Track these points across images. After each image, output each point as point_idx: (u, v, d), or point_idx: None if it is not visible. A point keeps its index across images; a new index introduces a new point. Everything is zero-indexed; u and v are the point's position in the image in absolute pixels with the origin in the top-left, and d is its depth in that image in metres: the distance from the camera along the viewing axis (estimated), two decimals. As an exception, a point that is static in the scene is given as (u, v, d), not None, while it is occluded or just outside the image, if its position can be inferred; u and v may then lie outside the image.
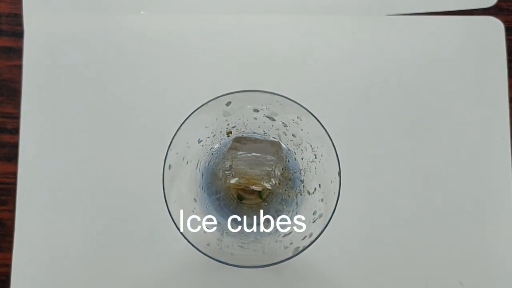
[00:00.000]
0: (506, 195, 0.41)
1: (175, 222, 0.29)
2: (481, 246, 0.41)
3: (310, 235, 0.30)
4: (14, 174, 0.40)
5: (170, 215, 0.29)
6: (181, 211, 0.30)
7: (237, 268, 0.29)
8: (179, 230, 0.29)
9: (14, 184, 0.40)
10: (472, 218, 0.41)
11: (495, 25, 0.43)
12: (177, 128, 0.30)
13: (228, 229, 0.33)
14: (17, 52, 0.42)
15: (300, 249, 0.29)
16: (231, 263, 0.28)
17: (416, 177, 0.41)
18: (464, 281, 0.40)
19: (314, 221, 0.31)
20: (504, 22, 0.43)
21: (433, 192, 0.41)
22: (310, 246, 0.29)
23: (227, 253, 0.29)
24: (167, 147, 0.29)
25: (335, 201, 0.29)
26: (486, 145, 0.42)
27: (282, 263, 0.29)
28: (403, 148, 0.41)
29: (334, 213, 0.29)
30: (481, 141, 0.42)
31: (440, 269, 0.40)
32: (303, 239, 0.30)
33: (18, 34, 0.42)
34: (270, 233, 0.33)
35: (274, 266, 0.29)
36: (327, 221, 0.29)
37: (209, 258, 0.28)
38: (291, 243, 0.30)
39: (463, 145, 0.42)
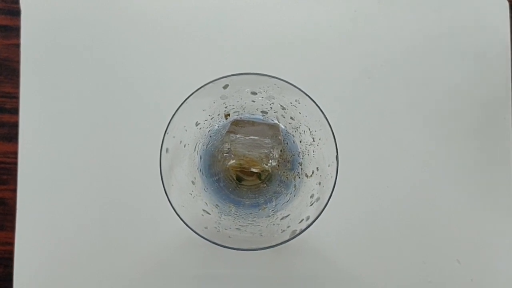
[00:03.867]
0: (504, 174, 0.41)
1: (173, 205, 0.29)
2: (478, 225, 0.41)
3: (307, 218, 0.30)
4: (15, 153, 0.41)
5: (168, 198, 0.29)
6: (179, 194, 0.30)
7: (235, 250, 0.29)
8: (176, 213, 0.29)
9: (15, 163, 0.41)
10: (470, 197, 0.41)
11: (500, 3, 0.42)
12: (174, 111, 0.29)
13: (226, 211, 0.33)
14: (15, 31, 0.42)
15: (297, 232, 0.29)
16: (228, 245, 0.28)
17: (415, 159, 0.41)
18: (461, 258, 0.41)
19: (312, 204, 0.31)
20: (510, 0, 0.42)
21: (430, 173, 0.41)
22: (308, 229, 0.29)
23: (224, 235, 0.30)
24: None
25: (332, 185, 0.29)
26: (487, 124, 0.42)
27: (280, 246, 0.29)
28: (403, 130, 0.41)
29: (332, 197, 0.29)
30: (482, 121, 0.42)
31: (437, 247, 0.41)
32: (300, 222, 0.30)
33: (15, 12, 0.42)
34: (267, 216, 0.33)
35: (272, 248, 0.29)
36: (324, 204, 0.29)
37: (207, 241, 0.29)
38: (288, 226, 0.30)
39: (463, 124, 0.41)
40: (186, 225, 0.29)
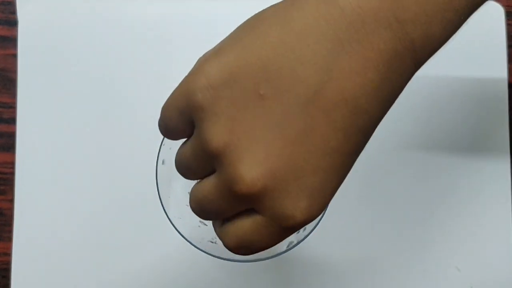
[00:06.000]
0: (503, 182, 0.41)
1: (169, 217, 0.29)
2: (477, 232, 0.41)
3: (304, 229, 0.30)
4: (12, 163, 0.41)
5: (164, 210, 0.29)
6: (176, 205, 0.30)
7: (232, 262, 0.29)
8: (173, 225, 0.29)
9: (12, 174, 0.41)
10: (469, 205, 0.41)
11: (495, 10, 0.42)
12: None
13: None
14: (12, 41, 0.42)
15: (294, 243, 0.29)
16: (225, 257, 0.28)
17: (414, 167, 0.41)
18: (460, 266, 0.41)
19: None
20: (505, 6, 0.42)
21: (430, 180, 0.41)
22: (306, 239, 0.29)
23: (221, 247, 0.30)
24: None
25: None
26: (484, 129, 0.42)
27: (277, 257, 0.29)
28: (402, 138, 0.41)
29: (329, 206, 0.29)
30: (480, 126, 0.42)
31: (437, 255, 0.41)
32: (297, 233, 0.30)
33: (12, 23, 0.42)
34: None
35: (269, 260, 0.29)
36: (321, 215, 0.29)
37: (204, 253, 0.29)
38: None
39: (461, 132, 0.41)
40: (183, 237, 0.29)
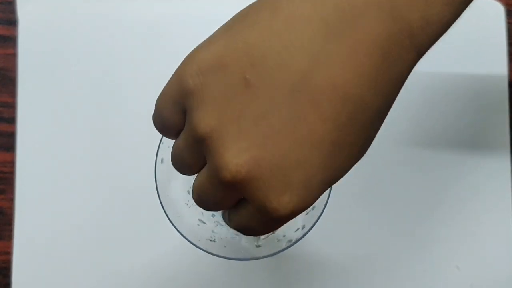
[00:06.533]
0: (502, 181, 0.41)
1: (168, 215, 0.29)
2: (477, 231, 0.41)
3: (303, 227, 0.30)
4: (12, 163, 0.41)
5: (163, 209, 0.29)
6: (175, 204, 0.30)
7: (230, 260, 0.29)
8: (172, 223, 0.29)
9: (12, 173, 0.41)
10: (469, 204, 0.41)
11: (495, 8, 0.42)
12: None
13: (222, 221, 0.33)
14: (12, 41, 0.42)
15: (293, 241, 0.29)
16: (224, 255, 0.28)
17: (412, 165, 0.41)
18: (460, 265, 0.40)
19: (307, 213, 0.31)
20: (505, 4, 0.42)
21: (429, 179, 0.41)
22: (304, 237, 0.29)
23: (220, 245, 0.30)
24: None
25: (328, 193, 0.29)
26: (485, 129, 0.42)
27: (276, 255, 0.29)
28: (399, 136, 0.41)
29: (327, 205, 0.29)
30: (480, 124, 0.42)
31: (437, 254, 0.41)
32: (296, 231, 0.30)
33: (12, 22, 0.42)
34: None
35: (269, 257, 0.29)
36: (320, 212, 0.29)
37: (203, 251, 0.29)
38: (284, 236, 0.30)
39: (461, 130, 0.41)
40: (182, 235, 0.29)
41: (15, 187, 0.40)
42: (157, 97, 0.23)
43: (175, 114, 0.22)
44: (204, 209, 0.23)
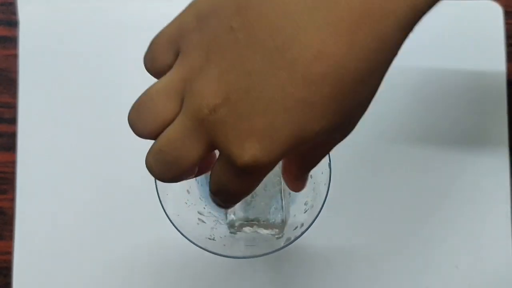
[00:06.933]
0: (501, 181, 0.41)
1: (168, 214, 0.29)
2: (476, 231, 0.41)
3: (301, 225, 0.30)
4: (13, 163, 0.41)
5: (163, 207, 0.29)
6: (174, 203, 0.30)
7: (229, 258, 0.29)
8: (171, 222, 0.29)
9: (13, 173, 0.41)
10: (468, 203, 0.41)
11: (494, 9, 0.42)
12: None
13: (221, 220, 0.33)
14: (12, 42, 0.42)
15: (292, 239, 0.29)
16: (223, 253, 0.29)
17: (411, 165, 0.41)
18: (459, 264, 0.41)
19: (305, 211, 0.31)
20: (504, 6, 0.42)
21: (428, 179, 0.41)
22: (303, 235, 0.30)
23: (219, 244, 0.30)
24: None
25: (326, 192, 0.29)
26: (483, 129, 0.42)
27: (275, 253, 0.29)
28: (398, 137, 0.41)
29: (325, 204, 0.30)
30: (478, 124, 0.42)
31: (436, 253, 0.41)
32: (294, 229, 0.30)
33: (13, 23, 0.42)
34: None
35: (267, 255, 0.29)
36: (318, 211, 0.29)
37: (202, 249, 0.29)
38: (282, 234, 0.31)
39: (460, 130, 0.41)
40: (181, 233, 0.29)
41: (16, 187, 0.40)
42: (154, 36, 0.23)
43: (167, 53, 0.22)
44: (160, 174, 0.22)
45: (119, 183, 0.40)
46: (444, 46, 0.42)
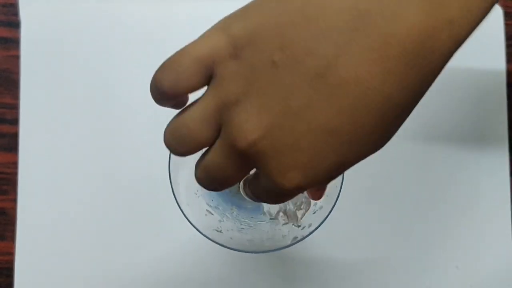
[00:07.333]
0: (501, 181, 0.41)
1: (178, 202, 0.29)
2: (476, 231, 0.41)
3: (309, 225, 0.30)
4: (15, 163, 0.41)
5: (174, 195, 0.29)
6: (185, 192, 0.30)
7: (235, 252, 0.29)
8: (181, 210, 0.29)
9: (15, 174, 0.41)
10: (468, 204, 0.41)
11: (494, 10, 0.42)
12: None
13: (228, 213, 0.33)
14: (14, 43, 0.42)
15: (298, 238, 0.29)
16: (229, 246, 0.29)
17: (412, 163, 0.41)
18: (460, 265, 0.41)
19: (315, 212, 0.31)
20: (503, 6, 0.43)
21: (428, 178, 0.41)
22: (311, 236, 0.30)
23: (226, 237, 0.30)
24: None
25: (337, 195, 0.29)
26: (483, 129, 0.42)
27: (281, 252, 0.29)
28: (405, 140, 0.41)
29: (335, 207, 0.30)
30: (478, 126, 0.42)
31: (437, 253, 0.41)
32: (302, 229, 0.30)
33: (14, 24, 0.42)
34: (270, 220, 0.33)
35: (273, 252, 0.29)
36: (327, 213, 0.29)
37: (210, 241, 0.29)
38: (289, 231, 0.31)
39: (460, 130, 0.42)
40: (190, 222, 0.29)
41: (18, 188, 0.40)
42: (175, 53, 0.22)
43: (196, 76, 0.21)
44: (209, 186, 0.23)
45: (120, 184, 0.40)
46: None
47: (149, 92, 0.23)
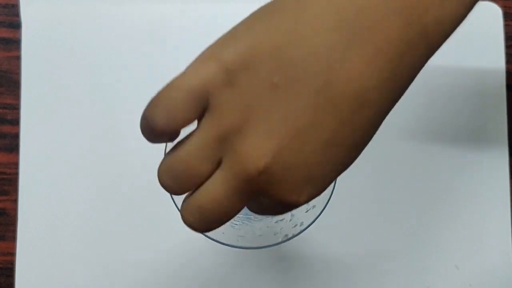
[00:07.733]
0: (501, 180, 0.41)
1: (174, 200, 0.29)
2: (476, 231, 0.41)
3: (301, 224, 0.30)
4: (16, 164, 0.41)
5: (172, 197, 0.29)
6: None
7: (232, 251, 0.29)
8: (176, 206, 0.29)
9: (16, 174, 0.41)
10: (468, 203, 0.41)
11: (493, 11, 0.42)
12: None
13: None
14: (15, 43, 0.42)
15: (289, 236, 0.30)
16: (220, 240, 0.29)
17: (412, 163, 0.41)
18: (459, 264, 0.41)
19: (307, 211, 0.31)
20: (503, 7, 0.43)
21: (428, 179, 0.41)
22: (303, 235, 0.30)
23: (218, 231, 0.30)
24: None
25: (329, 195, 0.30)
26: (483, 129, 0.42)
27: (273, 249, 0.29)
28: (400, 138, 0.41)
29: (328, 205, 0.30)
30: (478, 126, 0.42)
31: (436, 253, 0.41)
32: (294, 227, 0.30)
33: (15, 25, 0.43)
34: (262, 218, 0.33)
35: (265, 249, 0.29)
36: (319, 212, 0.30)
37: (206, 240, 0.29)
38: (282, 229, 0.31)
39: (460, 130, 0.42)
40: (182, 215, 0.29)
41: (19, 189, 0.41)
42: (160, 91, 0.21)
43: (190, 110, 0.20)
44: (202, 228, 0.22)
45: (121, 184, 0.41)
46: (444, 47, 0.42)
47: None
